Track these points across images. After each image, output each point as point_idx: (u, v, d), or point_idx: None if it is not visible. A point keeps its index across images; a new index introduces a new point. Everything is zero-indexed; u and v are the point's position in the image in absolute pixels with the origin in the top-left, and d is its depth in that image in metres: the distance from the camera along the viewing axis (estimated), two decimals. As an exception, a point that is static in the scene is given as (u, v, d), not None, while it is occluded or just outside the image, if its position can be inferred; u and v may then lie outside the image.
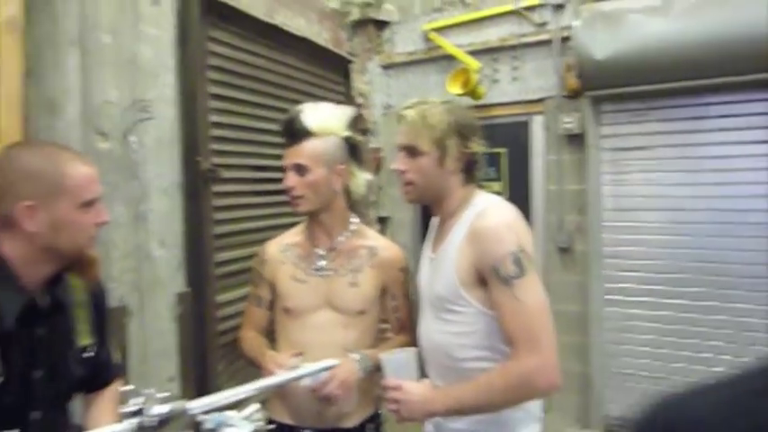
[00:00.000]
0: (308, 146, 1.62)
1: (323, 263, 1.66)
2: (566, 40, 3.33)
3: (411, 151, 1.41)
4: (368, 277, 1.66)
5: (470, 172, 1.44)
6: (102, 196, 1.21)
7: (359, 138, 1.75)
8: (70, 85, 1.80)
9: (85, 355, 1.25)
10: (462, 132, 1.40)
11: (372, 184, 3.91)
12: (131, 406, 0.71)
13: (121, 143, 1.88)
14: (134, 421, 0.69)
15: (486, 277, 1.29)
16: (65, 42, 1.81)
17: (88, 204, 1.15)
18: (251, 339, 1.75)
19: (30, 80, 1.80)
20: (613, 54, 2.87)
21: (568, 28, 3.26)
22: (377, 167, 3.91)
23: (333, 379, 1.50)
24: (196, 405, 0.77)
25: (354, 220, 1.73)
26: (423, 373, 1.42)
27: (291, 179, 1.61)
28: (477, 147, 1.42)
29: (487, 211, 1.35)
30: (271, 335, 1.78)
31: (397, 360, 1.36)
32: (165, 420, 0.71)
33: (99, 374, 1.32)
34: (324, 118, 1.63)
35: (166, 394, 0.72)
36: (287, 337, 1.68)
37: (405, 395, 1.31)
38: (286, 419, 1.66)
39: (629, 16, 2.89)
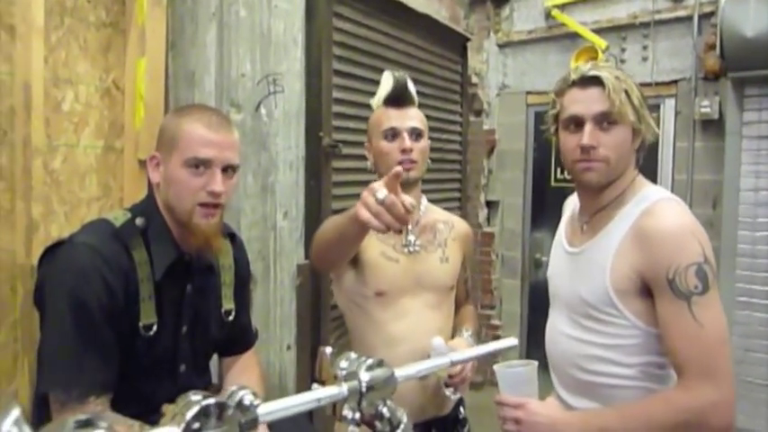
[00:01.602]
0: (418, 113, 1.55)
1: (412, 238, 1.55)
2: (705, 16, 3.06)
3: (608, 122, 1.14)
4: (453, 250, 1.59)
5: (639, 154, 1.20)
6: (223, 164, 1.15)
7: None
8: (208, 58, 1.87)
9: (228, 318, 1.29)
10: (647, 103, 1.17)
11: (482, 167, 3.82)
12: (343, 369, 0.70)
13: (253, 115, 1.93)
14: (349, 385, 0.69)
15: (655, 289, 1.08)
16: (205, 17, 1.87)
17: (194, 164, 1.12)
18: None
19: (172, 53, 1.89)
20: (766, 31, 2.58)
21: (711, 3, 3.00)
22: (490, 150, 3.81)
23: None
24: (401, 374, 0.75)
25: (423, 196, 1.65)
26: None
27: (409, 142, 1.49)
28: (654, 121, 1.19)
29: (659, 208, 1.11)
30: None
31: (516, 374, 1.17)
32: (372, 386, 0.69)
33: (237, 339, 1.35)
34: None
35: (370, 360, 0.71)
36: (378, 330, 1.51)
37: (529, 416, 1.12)
38: None
39: (788, -12, 2.59)
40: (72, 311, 1.04)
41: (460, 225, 1.67)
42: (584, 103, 1.16)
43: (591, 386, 1.18)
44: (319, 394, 0.68)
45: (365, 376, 0.69)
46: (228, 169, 1.16)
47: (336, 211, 2.40)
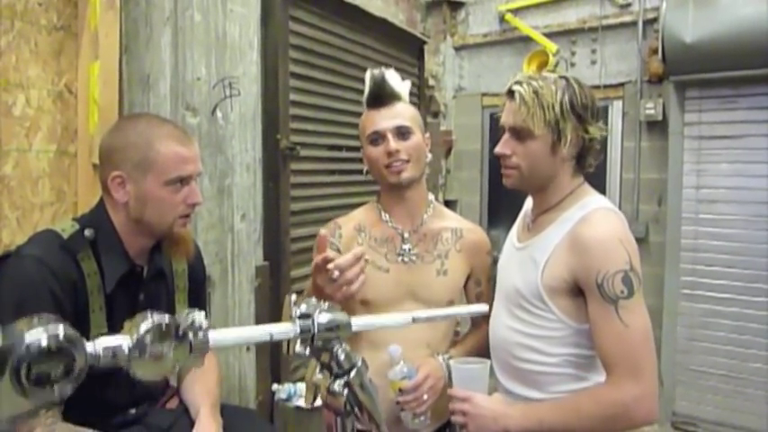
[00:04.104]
0: (405, 108, 1.44)
1: (407, 246, 1.46)
2: (650, 22, 3.19)
3: (520, 134, 1.22)
4: (456, 263, 1.48)
5: (582, 160, 1.25)
6: (197, 175, 1.21)
7: None
8: (163, 61, 1.88)
9: None
10: (580, 114, 1.20)
11: (440, 167, 3.90)
12: (301, 310, 0.72)
13: (209, 119, 1.94)
14: (302, 323, 0.71)
15: (586, 292, 1.17)
16: (159, 21, 1.88)
17: (176, 182, 1.16)
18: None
19: (126, 57, 1.89)
20: (704, 37, 2.73)
21: (654, 9, 3.13)
22: (447, 151, 3.89)
23: (426, 380, 1.33)
24: (357, 323, 0.79)
25: (431, 198, 1.54)
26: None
27: (394, 143, 1.39)
28: (596, 131, 1.22)
29: (595, 217, 1.19)
30: None
31: (468, 371, 1.25)
32: (329, 328, 0.72)
33: None
34: (404, 85, 1.48)
35: (327, 305, 0.74)
36: (363, 335, 1.45)
37: (474, 408, 1.20)
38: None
39: (723, -3, 2.74)
40: None
41: (471, 235, 1.52)
42: (506, 114, 1.25)
43: (521, 372, 1.27)
44: (272, 329, 0.71)
45: (319, 317, 0.73)
46: (198, 177, 1.22)
47: (295, 213, 2.43)
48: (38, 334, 0.51)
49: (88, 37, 1.81)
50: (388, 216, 1.49)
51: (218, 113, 1.97)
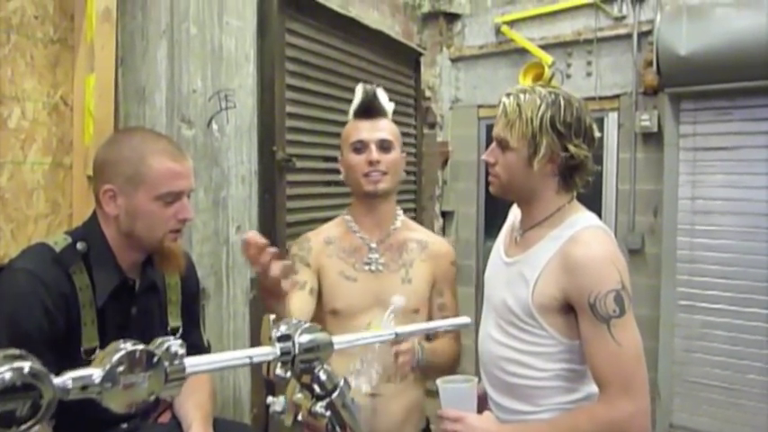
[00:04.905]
0: (389, 124, 1.55)
1: (374, 256, 1.52)
2: (645, 34, 3.21)
3: (501, 144, 1.25)
4: (420, 272, 1.53)
5: (568, 178, 1.25)
6: (189, 191, 1.21)
7: None
8: (159, 74, 1.88)
9: (174, 336, 1.30)
10: (560, 131, 1.19)
11: (437, 178, 3.90)
12: (281, 331, 0.71)
13: (204, 131, 1.95)
14: (282, 345, 0.70)
15: (578, 311, 1.18)
16: (155, 33, 1.89)
17: (167, 198, 1.17)
18: None
19: (122, 69, 1.89)
20: (698, 49, 2.74)
21: (648, 22, 3.15)
22: (443, 162, 3.90)
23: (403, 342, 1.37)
24: (339, 340, 0.77)
25: (399, 212, 1.61)
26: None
27: (377, 154, 1.48)
28: (578, 150, 1.21)
29: (585, 237, 1.19)
30: None
31: (456, 390, 1.24)
32: (309, 349, 0.71)
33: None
34: (390, 104, 1.59)
35: (308, 325, 0.72)
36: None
37: (467, 429, 1.19)
38: None
39: (717, 10, 2.76)
40: (11, 338, 1.04)
41: (436, 246, 1.59)
42: (495, 123, 1.29)
43: (512, 386, 1.27)
44: (251, 352, 0.69)
45: (299, 338, 0.71)
46: (190, 193, 1.23)
47: (291, 224, 2.43)
48: (1, 370, 0.48)
49: (84, 49, 1.82)
50: (357, 227, 1.56)
51: (214, 126, 1.97)
